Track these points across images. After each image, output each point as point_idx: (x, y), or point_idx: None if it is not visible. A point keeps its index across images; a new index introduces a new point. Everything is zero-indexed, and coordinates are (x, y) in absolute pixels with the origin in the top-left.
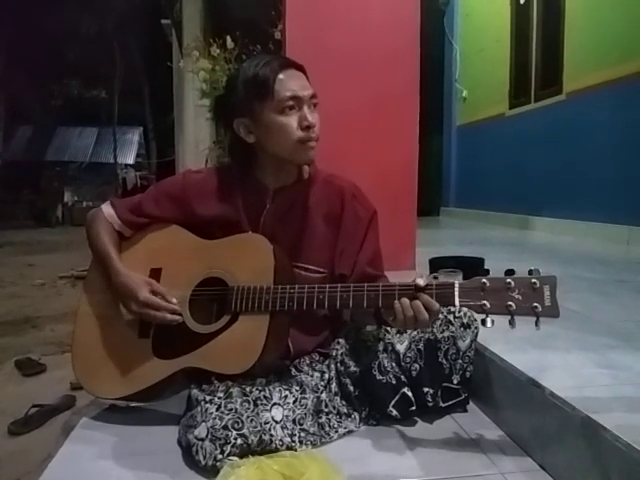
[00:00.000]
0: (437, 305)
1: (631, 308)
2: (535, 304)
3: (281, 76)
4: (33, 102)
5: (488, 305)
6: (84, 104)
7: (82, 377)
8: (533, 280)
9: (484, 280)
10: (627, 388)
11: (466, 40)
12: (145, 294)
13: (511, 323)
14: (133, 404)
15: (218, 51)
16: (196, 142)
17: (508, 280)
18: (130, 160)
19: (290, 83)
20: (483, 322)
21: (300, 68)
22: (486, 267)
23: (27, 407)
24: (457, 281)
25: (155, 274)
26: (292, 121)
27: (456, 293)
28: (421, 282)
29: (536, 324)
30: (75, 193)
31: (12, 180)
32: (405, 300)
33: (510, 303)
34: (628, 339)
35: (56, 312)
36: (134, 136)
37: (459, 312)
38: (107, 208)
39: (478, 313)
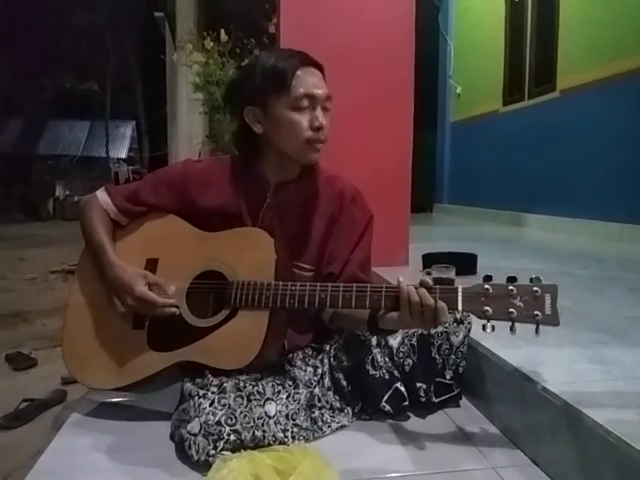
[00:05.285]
0: (442, 303)
1: (623, 304)
2: (536, 312)
3: (299, 72)
4: (24, 95)
5: (490, 311)
6: (76, 97)
7: (71, 366)
8: (535, 288)
9: (487, 286)
10: (618, 383)
11: (461, 37)
12: (140, 288)
13: (512, 329)
14: (115, 399)
15: (212, 44)
16: (189, 136)
17: (510, 287)
18: (122, 154)
19: (308, 81)
20: (484, 327)
21: (319, 67)
22: (480, 265)
23: (17, 401)
24: (460, 286)
25: (152, 264)
26: (303, 119)
27: (459, 298)
28: (426, 282)
29: (536, 331)
30: (67, 187)
31: (3, 173)
32: (414, 290)
33: (512, 310)
34: (620, 335)
35: (47, 306)
36: (127, 130)
37: None
38: (102, 195)
39: (480, 318)
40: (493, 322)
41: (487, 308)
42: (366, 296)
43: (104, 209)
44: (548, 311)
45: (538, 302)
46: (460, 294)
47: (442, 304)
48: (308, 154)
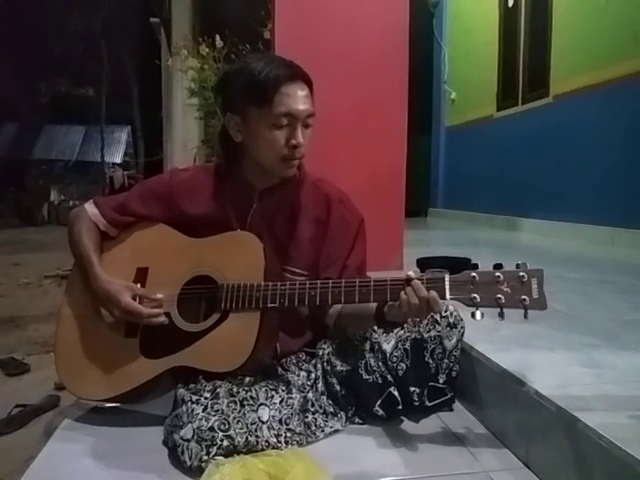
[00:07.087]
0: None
1: (615, 308)
2: (523, 296)
3: (283, 89)
4: (19, 99)
5: (478, 298)
6: (71, 102)
7: (66, 379)
8: (521, 273)
9: (474, 274)
10: (610, 387)
11: (455, 42)
12: (127, 300)
13: (500, 315)
14: (109, 405)
15: (207, 50)
16: (184, 141)
17: (497, 273)
18: (118, 159)
19: (290, 100)
20: (473, 315)
21: (307, 82)
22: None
23: (10, 407)
24: (447, 275)
25: (142, 273)
26: (280, 137)
27: (447, 286)
28: (412, 275)
29: (525, 316)
30: (61, 192)
31: None
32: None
33: (499, 296)
34: (611, 339)
35: (41, 312)
36: (122, 135)
37: (445, 311)
38: (91, 207)
39: (468, 306)
40: (482, 309)
41: (474, 295)
42: (355, 291)
43: (93, 221)
44: (535, 295)
45: (525, 287)
46: (447, 283)
47: (434, 293)
48: (283, 170)
